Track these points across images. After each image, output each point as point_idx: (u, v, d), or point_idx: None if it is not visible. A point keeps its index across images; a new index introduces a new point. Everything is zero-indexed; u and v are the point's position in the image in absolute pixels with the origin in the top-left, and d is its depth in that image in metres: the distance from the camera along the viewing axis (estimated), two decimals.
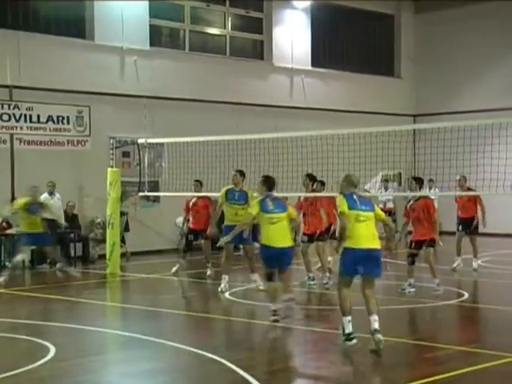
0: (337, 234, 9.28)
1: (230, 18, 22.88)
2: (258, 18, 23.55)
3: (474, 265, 16.01)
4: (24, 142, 18.20)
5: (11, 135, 18.01)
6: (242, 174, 13.87)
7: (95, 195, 18.51)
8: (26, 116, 18.13)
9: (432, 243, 13.05)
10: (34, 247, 17.51)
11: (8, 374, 7.97)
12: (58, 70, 18.70)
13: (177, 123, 19.75)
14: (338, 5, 25.02)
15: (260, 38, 23.62)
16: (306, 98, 23.67)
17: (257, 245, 12.50)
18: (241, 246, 15.07)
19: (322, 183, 15.02)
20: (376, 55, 26.80)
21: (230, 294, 13.16)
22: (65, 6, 19.39)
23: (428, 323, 11.32)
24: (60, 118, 18.66)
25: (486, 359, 8.43)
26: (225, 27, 22.83)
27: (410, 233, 13.68)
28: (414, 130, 23.56)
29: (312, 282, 14.12)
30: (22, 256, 15.45)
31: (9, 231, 17.42)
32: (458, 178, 15.74)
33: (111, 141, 18.83)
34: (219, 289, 13.39)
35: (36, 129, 18.30)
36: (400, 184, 24.71)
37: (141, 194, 17.63)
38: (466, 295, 12.96)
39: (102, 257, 17.45)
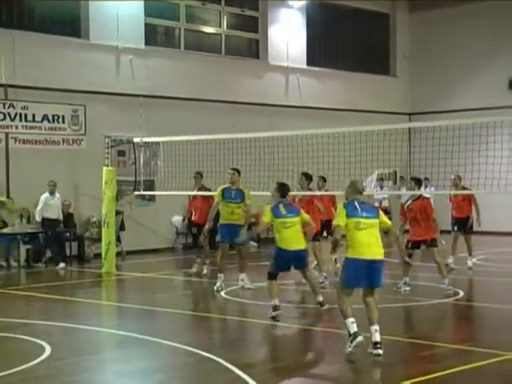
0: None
1: (225, 17, 22.86)
2: (253, 16, 23.55)
3: (469, 263, 16.02)
4: (19, 141, 18.14)
5: (6, 134, 17.95)
6: (238, 172, 13.91)
7: (91, 194, 18.52)
8: (21, 115, 18.06)
9: (434, 243, 13.06)
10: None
11: (3, 373, 7.95)
12: (54, 69, 18.66)
13: (172, 122, 19.73)
14: (333, 4, 25.04)
15: (255, 37, 23.62)
16: (301, 97, 23.67)
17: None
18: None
19: (324, 179, 15.00)
20: (371, 54, 26.81)
21: (225, 293, 13.17)
22: (60, 5, 19.33)
23: (423, 322, 11.31)
24: (55, 117, 18.60)
25: (481, 357, 8.44)
26: (220, 26, 22.81)
27: (406, 231, 13.68)
28: (410, 129, 23.62)
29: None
30: None
31: (5, 230, 17.41)
32: (452, 177, 15.71)
33: (107, 140, 18.78)
34: (215, 287, 13.40)
35: (31, 128, 18.25)
36: (395, 182, 24.72)
37: (136, 192, 17.59)
38: (461, 293, 12.93)
39: (98, 256, 17.46)
